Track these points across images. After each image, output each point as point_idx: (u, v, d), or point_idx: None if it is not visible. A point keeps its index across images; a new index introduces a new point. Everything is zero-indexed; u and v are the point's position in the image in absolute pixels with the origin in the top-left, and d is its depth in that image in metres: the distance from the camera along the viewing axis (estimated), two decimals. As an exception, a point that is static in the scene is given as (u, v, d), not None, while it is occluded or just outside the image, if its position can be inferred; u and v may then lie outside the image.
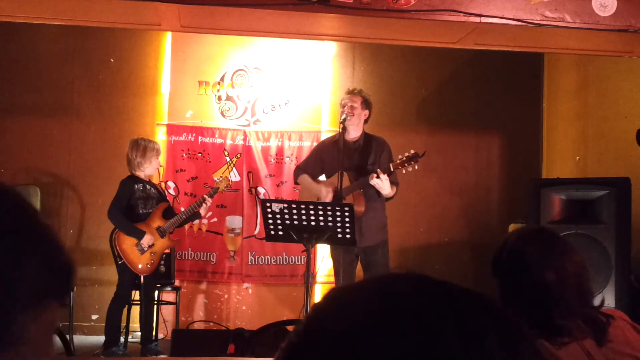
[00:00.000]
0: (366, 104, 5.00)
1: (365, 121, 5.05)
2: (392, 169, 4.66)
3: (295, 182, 5.27)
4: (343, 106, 4.96)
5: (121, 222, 5.17)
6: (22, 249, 0.72)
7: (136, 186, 5.23)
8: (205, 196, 5.40)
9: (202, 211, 5.41)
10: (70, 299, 5.54)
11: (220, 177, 5.84)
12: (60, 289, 0.75)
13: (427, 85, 6.91)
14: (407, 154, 4.62)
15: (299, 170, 5.22)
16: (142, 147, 5.26)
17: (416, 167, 4.64)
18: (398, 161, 4.65)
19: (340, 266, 4.82)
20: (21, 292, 0.70)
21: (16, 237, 0.72)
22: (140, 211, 5.24)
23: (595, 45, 4.94)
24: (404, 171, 4.68)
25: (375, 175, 4.63)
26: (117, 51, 6.55)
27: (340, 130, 4.84)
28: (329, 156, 4.99)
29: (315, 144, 6.53)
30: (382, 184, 4.63)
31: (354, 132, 4.99)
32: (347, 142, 4.96)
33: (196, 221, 6.20)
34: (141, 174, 5.28)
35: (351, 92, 5.03)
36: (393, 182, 4.78)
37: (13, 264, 0.70)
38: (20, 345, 0.70)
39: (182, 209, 5.45)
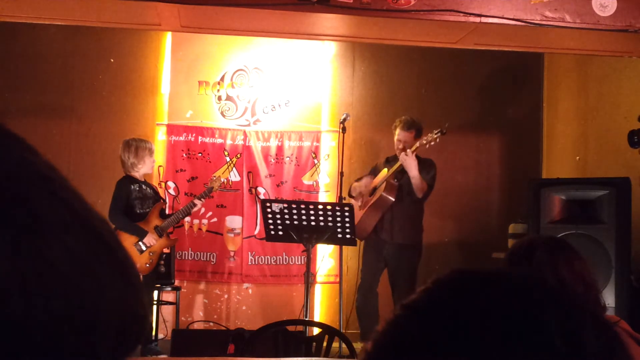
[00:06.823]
0: (418, 133, 5.30)
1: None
2: (418, 145, 5.04)
3: (350, 196, 5.44)
4: (398, 141, 5.24)
5: (123, 222, 5.18)
6: (101, 287, 0.43)
7: (132, 186, 5.24)
8: (196, 197, 5.44)
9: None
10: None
11: (214, 176, 5.84)
12: (132, 343, 0.46)
13: (427, 85, 6.91)
14: (433, 134, 5.07)
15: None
16: (134, 147, 5.26)
17: (437, 141, 5.07)
18: (424, 141, 5.05)
19: (367, 267, 4.97)
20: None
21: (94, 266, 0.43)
22: (138, 211, 5.25)
23: (595, 45, 4.94)
24: (427, 146, 5.06)
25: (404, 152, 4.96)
26: (117, 51, 6.55)
27: (340, 130, 4.85)
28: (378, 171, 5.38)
29: (315, 144, 6.55)
30: (408, 160, 4.93)
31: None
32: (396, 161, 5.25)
33: (196, 221, 6.20)
34: (136, 174, 5.28)
35: (404, 129, 5.27)
36: (424, 178, 5.04)
37: (88, 313, 0.42)
38: None
39: (182, 209, 5.47)
